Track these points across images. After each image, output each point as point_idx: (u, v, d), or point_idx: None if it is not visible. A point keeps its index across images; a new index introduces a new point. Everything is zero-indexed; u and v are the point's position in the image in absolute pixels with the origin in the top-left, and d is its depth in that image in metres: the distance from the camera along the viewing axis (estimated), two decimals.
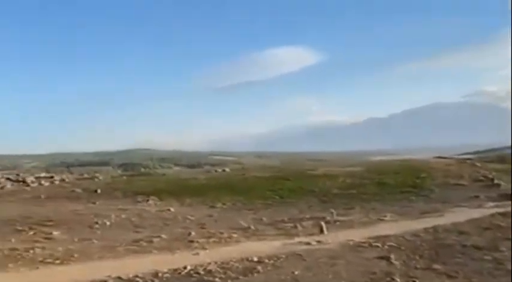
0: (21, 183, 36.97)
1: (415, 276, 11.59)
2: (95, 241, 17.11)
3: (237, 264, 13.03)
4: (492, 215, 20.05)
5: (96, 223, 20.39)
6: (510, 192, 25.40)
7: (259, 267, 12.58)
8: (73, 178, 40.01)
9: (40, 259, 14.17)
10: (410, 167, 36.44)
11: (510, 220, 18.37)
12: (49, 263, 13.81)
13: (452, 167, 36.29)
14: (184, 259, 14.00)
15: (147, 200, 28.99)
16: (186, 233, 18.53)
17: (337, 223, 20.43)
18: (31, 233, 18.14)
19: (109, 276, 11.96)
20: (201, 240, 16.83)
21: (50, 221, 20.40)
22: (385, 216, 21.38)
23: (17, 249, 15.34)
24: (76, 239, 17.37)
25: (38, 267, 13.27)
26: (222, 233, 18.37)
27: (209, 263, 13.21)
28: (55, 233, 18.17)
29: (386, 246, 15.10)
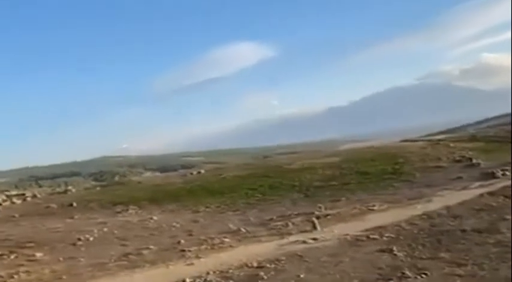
0: None
1: (424, 267, 11.26)
2: (82, 259, 16.33)
3: (237, 272, 12.49)
4: (481, 196, 19.96)
5: (79, 239, 19.52)
6: (492, 171, 25.41)
7: (261, 273, 12.07)
8: (45, 193, 38.70)
9: None
10: (386, 154, 36.35)
11: (502, 200, 18.33)
12: None
13: (427, 150, 36.34)
14: (180, 271, 13.41)
15: (127, 210, 28.14)
16: (175, 242, 17.88)
17: (328, 217, 20.03)
18: (12, 256, 17.20)
19: None
20: (192, 249, 16.23)
21: (30, 241, 19.42)
22: (374, 206, 21.08)
23: (0, 276, 14.49)
24: (61, 259, 16.56)
25: None
26: (212, 239, 17.78)
27: (208, 273, 12.65)
28: (38, 254, 17.28)
29: (384, 238, 14.79)
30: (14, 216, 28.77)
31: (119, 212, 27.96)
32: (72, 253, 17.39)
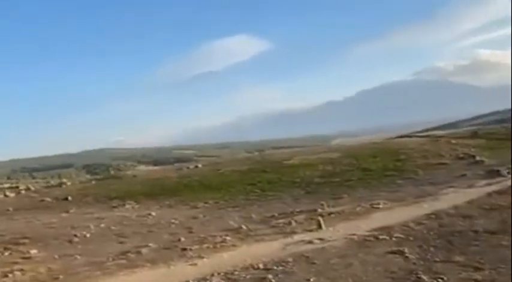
0: None
1: (439, 271, 10.75)
2: (78, 257, 15.72)
3: (244, 275, 11.93)
4: (489, 195, 19.47)
5: (75, 236, 18.90)
6: (497, 169, 24.95)
7: (269, 276, 11.51)
8: (39, 186, 38.02)
9: None
10: (387, 150, 35.89)
11: (510, 199, 17.83)
12: None
13: (428, 147, 35.88)
14: (183, 272, 12.83)
15: (124, 205, 27.59)
16: (175, 240, 17.29)
17: (332, 215, 19.46)
18: (6, 253, 16.57)
19: None
20: (194, 247, 15.62)
21: (25, 237, 18.79)
22: (378, 204, 20.54)
23: None
24: (57, 256, 15.92)
25: None
26: (214, 237, 17.19)
27: (212, 275, 12.09)
28: (32, 251, 16.64)
29: (394, 239, 14.27)
30: (8, 210, 28.16)
31: (115, 207, 27.39)
32: (69, 250, 16.77)
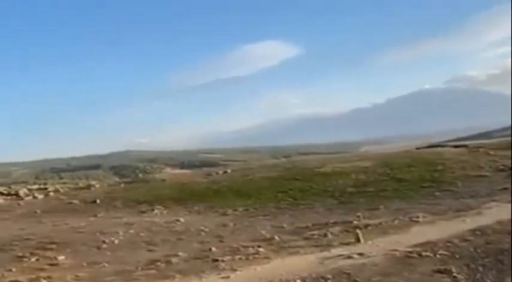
0: (14, 196, 34.75)
1: None
2: (106, 265, 15.18)
3: None
4: None
5: (104, 242, 18.38)
6: None
7: None
8: (68, 188, 37.83)
9: None
10: (422, 159, 34.75)
11: None
12: None
13: (466, 157, 34.64)
14: None
15: (152, 210, 27.09)
16: (206, 249, 16.66)
17: (369, 228, 18.59)
18: (33, 259, 16.11)
19: None
20: (225, 258, 14.96)
21: (52, 242, 18.33)
22: (417, 217, 19.59)
23: None
24: (85, 264, 15.41)
25: None
26: (245, 247, 16.51)
27: None
28: (60, 257, 16.17)
29: (438, 256, 13.41)
30: (36, 212, 27.90)
31: (143, 212, 26.93)
32: (97, 257, 16.26)
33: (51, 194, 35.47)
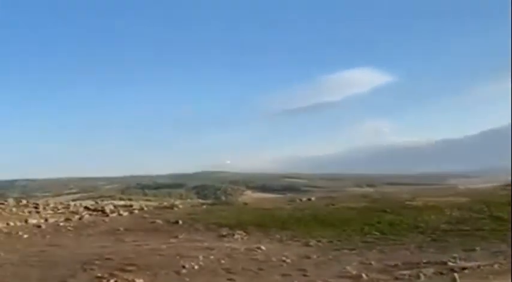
0: (100, 212, 35.51)
1: None
2: None
3: None
4: None
5: (183, 267, 17.85)
6: None
7: None
8: (152, 207, 38.23)
9: None
10: None
11: None
12: None
13: None
14: None
15: (233, 235, 26.49)
16: None
17: (466, 272, 16.92)
18: (112, 281, 15.81)
19: None
20: None
21: (132, 264, 18.04)
22: None
23: None
24: None
25: None
26: None
27: None
28: (138, 281, 15.76)
29: None
30: (118, 230, 28.13)
31: (224, 236, 26.38)
32: None
33: (136, 211, 35.93)
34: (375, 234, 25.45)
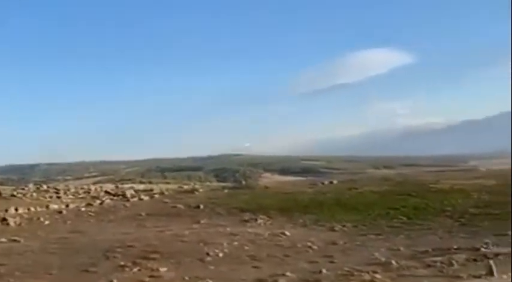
0: (121, 197, 35.37)
1: None
2: (210, 281, 14.16)
3: None
4: None
5: (207, 254, 17.48)
6: None
7: None
8: (172, 191, 38.00)
9: None
10: None
11: None
12: None
13: None
14: None
15: (256, 219, 26.10)
16: (316, 271, 15.17)
17: (500, 258, 16.28)
18: (135, 269, 15.47)
19: None
20: None
21: (155, 252, 17.72)
22: None
23: None
24: (187, 278, 14.49)
25: None
26: (360, 272, 14.86)
27: None
28: (162, 269, 15.41)
29: None
30: (140, 215, 27.92)
31: (246, 221, 26.01)
32: (200, 271, 15.31)
33: (156, 196, 35.73)
34: (401, 219, 24.84)
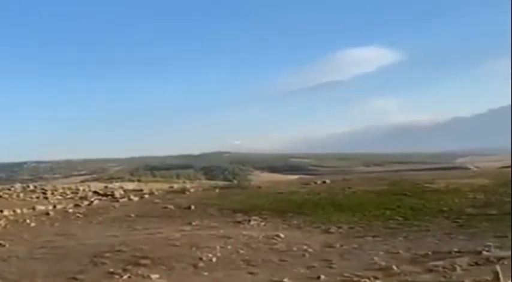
0: (110, 197, 34.63)
1: None
2: None
3: None
4: None
5: (200, 259, 16.83)
6: None
7: None
8: (163, 191, 37.27)
9: None
10: None
11: None
12: None
13: None
14: None
15: (249, 221, 25.43)
16: (314, 276, 14.57)
17: (503, 262, 15.75)
18: (125, 276, 14.77)
19: None
20: None
21: (146, 257, 17.02)
22: None
23: None
24: None
25: None
26: (361, 278, 14.27)
27: None
28: (153, 276, 14.72)
29: None
30: (130, 216, 27.20)
31: (240, 222, 25.34)
32: (193, 278, 14.67)
33: (146, 196, 35.04)
34: (397, 220, 24.29)
